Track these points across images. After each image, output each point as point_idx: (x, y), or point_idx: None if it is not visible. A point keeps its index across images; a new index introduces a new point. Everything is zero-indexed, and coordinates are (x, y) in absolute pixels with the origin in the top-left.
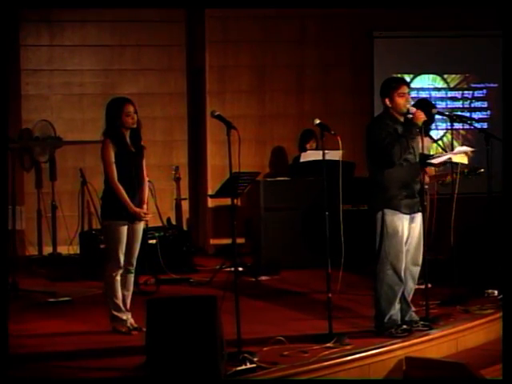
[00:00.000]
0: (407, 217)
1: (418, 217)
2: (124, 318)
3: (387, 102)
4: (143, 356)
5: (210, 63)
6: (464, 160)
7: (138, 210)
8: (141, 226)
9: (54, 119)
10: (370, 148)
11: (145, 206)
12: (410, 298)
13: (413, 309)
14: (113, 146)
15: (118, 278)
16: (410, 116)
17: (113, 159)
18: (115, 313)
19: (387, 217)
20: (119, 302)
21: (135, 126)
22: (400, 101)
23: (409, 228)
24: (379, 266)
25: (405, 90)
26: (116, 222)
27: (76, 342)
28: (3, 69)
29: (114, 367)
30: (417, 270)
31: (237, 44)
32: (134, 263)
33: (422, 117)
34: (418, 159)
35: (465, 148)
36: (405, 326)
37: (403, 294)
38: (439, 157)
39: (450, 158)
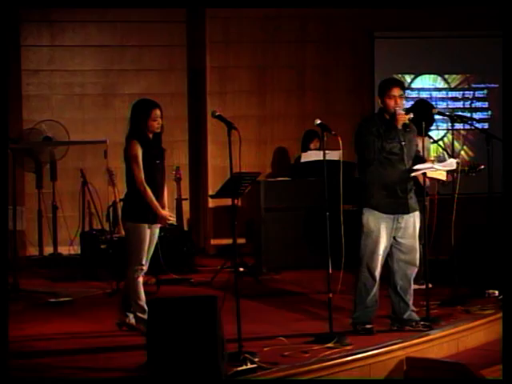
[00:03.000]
0: (388, 217)
1: (410, 218)
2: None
3: (379, 101)
4: (144, 356)
5: (210, 63)
6: (442, 176)
7: (165, 212)
8: (157, 229)
9: (55, 119)
10: (355, 146)
11: (166, 209)
12: (408, 297)
13: (412, 308)
14: (140, 147)
15: (140, 279)
16: (391, 117)
17: (141, 161)
18: (140, 314)
19: (364, 216)
20: (143, 303)
21: (159, 130)
22: (391, 102)
23: (393, 229)
24: (358, 264)
25: (396, 92)
26: (140, 225)
27: (76, 342)
28: (4, 69)
29: (114, 367)
30: (412, 270)
31: (237, 44)
32: (147, 265)
33: (402, 119)
34: (407, 160)
35: (450, 163)
36: (368, 326)
37: (398, 292)
38: (419, 170)
39: (428, 170)
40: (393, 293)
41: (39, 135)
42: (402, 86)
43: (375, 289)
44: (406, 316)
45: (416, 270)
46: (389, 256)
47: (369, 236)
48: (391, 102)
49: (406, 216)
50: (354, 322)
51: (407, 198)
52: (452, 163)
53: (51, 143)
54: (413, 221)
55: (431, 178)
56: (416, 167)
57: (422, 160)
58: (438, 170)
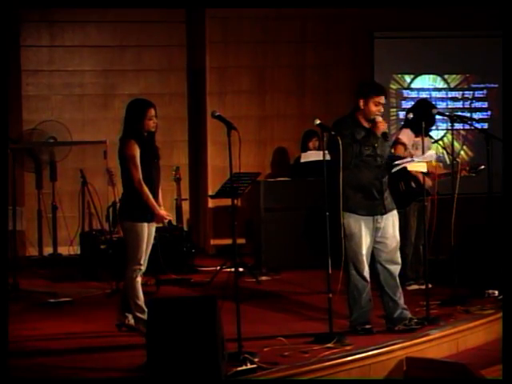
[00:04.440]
0: (367, 218)
1: (389, 218)
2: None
3: (361, 103)
4: (144, 356)
5: (210, 64)
6: (422, 168)
7: (162, 212)
8: (154, 227)
9: (55, 120)
10: (328, 148)
11: (162, 207)
12: (397, 296)
13: (403, 306)
14: (137, 147)
15: (139, 279)
16: (372, 124)
17: (139, 160)
18: (139, 314)
19: (344, 219)
20: (141, 303)
21: (155, 129)
22: (373, 108)
23: (374, 229)
24: (345, 266)
25: (382, 100)
26: (138, 224)
27: (76, 342)
28: (4, 69)
29: (114, 367)
30: (396, 267)
31: (237, 44)
32: (146, 265)
33: (381, 127)
34: (381, 161)
35: (430, 155)
36: (367, 326)
37: (386, 292)
38: (399, 164)
39: (405, 167)
40: (381, 293)
41: (41, 135)
42: (386, 96)
43: (367, 288)
44: (396, 315)
45: (399, 267)
46: (372, 257)
47: (351, 239)
48: (376, 109)
49: (384, 216)
50: (352, 324)
51: (383, 198)
52: (431, 155)
53: (51, 143)
54: (392, 220)
55: (414, 172)
56: (396, 162)
57: (399, 158)
58: (418, 163)
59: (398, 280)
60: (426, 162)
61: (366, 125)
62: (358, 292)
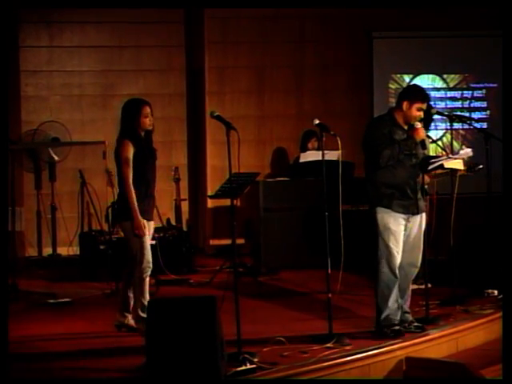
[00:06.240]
0: (402, 216)
1: (417, 218)
2: None
3: (404, 105)
4: (143, 356)
5: (209, 64)
6: (459, 166)
7: (140, 225)
8: (152, 224)
9: (55, 120)
10: (364, 146)
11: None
12: (404, 299)
13: (406, 310)
14: (132, 146)
15: (148, 279)
16: (411, 129)
17: (131, 160)
18: (142, 314)
19: (378, 214)
20: (146, 302)
21: (151, 127)
22: (415, 113)
23: (405, 228)
24: (376, 264)
25: (424, 107)
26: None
27: (76, 342)
28: (3, 70)
29: (113, 368)
30: (413, 271)
31: (236, 44)
32: None
33: (421, 135)
34: (416, 161)
35: (465, 152)
36: (397, 327)
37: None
38: (435, 162)
39: (442, 165)
40: None
41: (43, 136)
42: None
43: (396, 286)
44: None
45: (417, 270)
46: None
47: (385, 233)
48: (417, 114)
49: (414, 216)
50: (381, 323)
51: (417, 198)
52: (467, 152)
53: (49, 144)
54: (419, 221)
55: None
56: (433, 160)
57: (435, 157)
58: (454, 160)
59: (410, 283)
60: (463, 159)
61: (403, 126)
62: (388, 290)
